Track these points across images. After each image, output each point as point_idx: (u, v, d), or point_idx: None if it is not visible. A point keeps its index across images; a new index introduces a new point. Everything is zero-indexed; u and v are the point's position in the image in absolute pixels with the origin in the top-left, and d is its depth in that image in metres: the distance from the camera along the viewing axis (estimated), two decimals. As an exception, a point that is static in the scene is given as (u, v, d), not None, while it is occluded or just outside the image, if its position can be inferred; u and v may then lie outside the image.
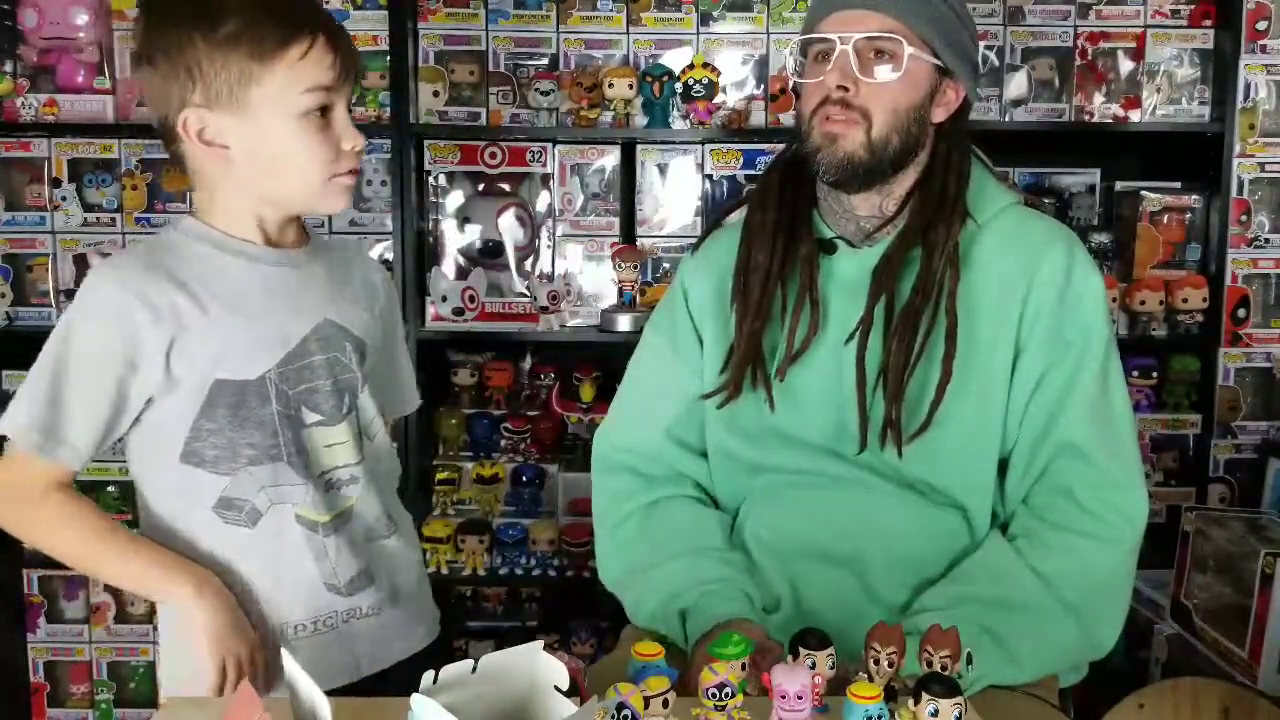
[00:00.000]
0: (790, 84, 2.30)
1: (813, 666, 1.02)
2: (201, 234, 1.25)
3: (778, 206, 1.41)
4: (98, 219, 2.43)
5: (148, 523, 1.28)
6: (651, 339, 1.54)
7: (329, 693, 0.87)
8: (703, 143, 2.42)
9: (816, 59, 1.36)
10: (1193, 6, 2.40)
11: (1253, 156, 2.38)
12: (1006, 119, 2.41)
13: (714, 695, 0.97)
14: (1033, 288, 1.34)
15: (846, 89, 1.32)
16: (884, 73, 1.32)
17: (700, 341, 1.47)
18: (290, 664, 0.95)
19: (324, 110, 1.21)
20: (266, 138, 1.20)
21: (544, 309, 2.39)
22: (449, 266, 2.44)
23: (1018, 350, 1.35)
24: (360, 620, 1.33)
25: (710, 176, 2.43)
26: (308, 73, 1.19)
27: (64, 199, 2.41)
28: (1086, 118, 2.42)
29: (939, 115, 1.38)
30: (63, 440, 1.18)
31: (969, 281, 1.34)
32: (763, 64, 2.39)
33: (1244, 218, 2.40)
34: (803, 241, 1.39)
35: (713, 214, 2.39)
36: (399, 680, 1.35)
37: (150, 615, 2.49)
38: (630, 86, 2.35)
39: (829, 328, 1.38)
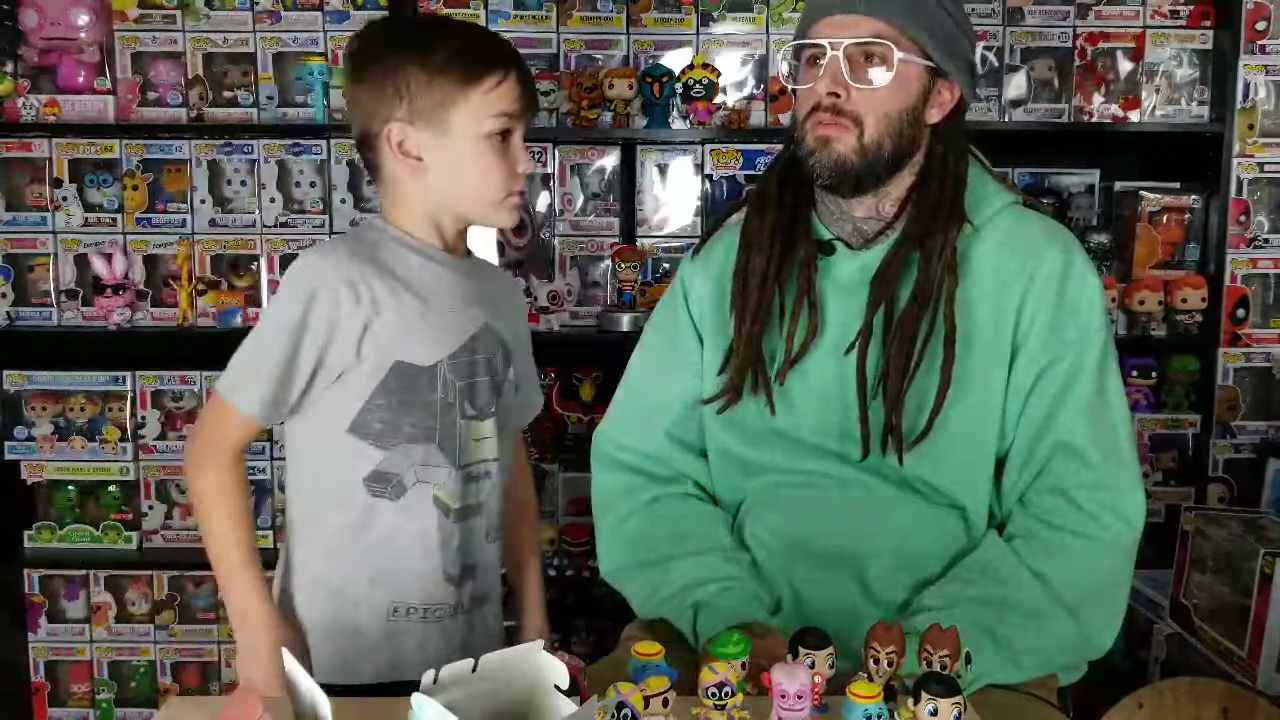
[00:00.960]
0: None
1: (812, 666, 1.02)
2: (390, 233, 1.39)
3: (776, 209, 1.41)
4: (98, 219, 2.43)
5: (297, 487, 1.41)
6: (651, 339, 1.55)
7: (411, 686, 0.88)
8: (702, 143, 2.42)
9: (809, 63, 1.36)
10: (1192, 7, 2.40)
11: (1252, 156, 2.39)
12: (1006, 119, 2.41)
13: (714, 694, 0.97)
14: (1030, 288, 1.35)
15: (837, 95, 1.32)
16: (874, 78, 1.32)
17: (700, 342, 1.48)
18: (290, 663, 0.95)
19: (505, 135, 1.36)
20: (457, 154, 1.35)
21: (544, 309, 2.40)
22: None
23: (1015, 350, 1.35)
24: (461, 615, 1.42)
25: (710, 177, 2.43)
26: (498, 100, 1.34)
27: (65, 199, 2.42)
28: (1086, 118, 2.42)
29: (934, 116, 1.38)
30: (254, 393, 1.31)
31: (967, 284, 1.34)
32: (762, 64, 2.39)
33: (1243, 218, 2.40)
34: (801, 244, 1.40)
35: (713, 214, 2.39)
36: None
37: (152, 615, 2.49)
38: (630, 87, 2.35)
39: (827, 330, 1.38)
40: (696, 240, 1.58)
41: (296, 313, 1.31)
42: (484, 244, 2.41)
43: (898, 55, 1.31)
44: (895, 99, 1.33)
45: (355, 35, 1.44)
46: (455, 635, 1.41)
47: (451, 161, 1.35)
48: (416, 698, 0.84)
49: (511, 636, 1.51)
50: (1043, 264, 1.35)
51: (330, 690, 1.06)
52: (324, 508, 1.38)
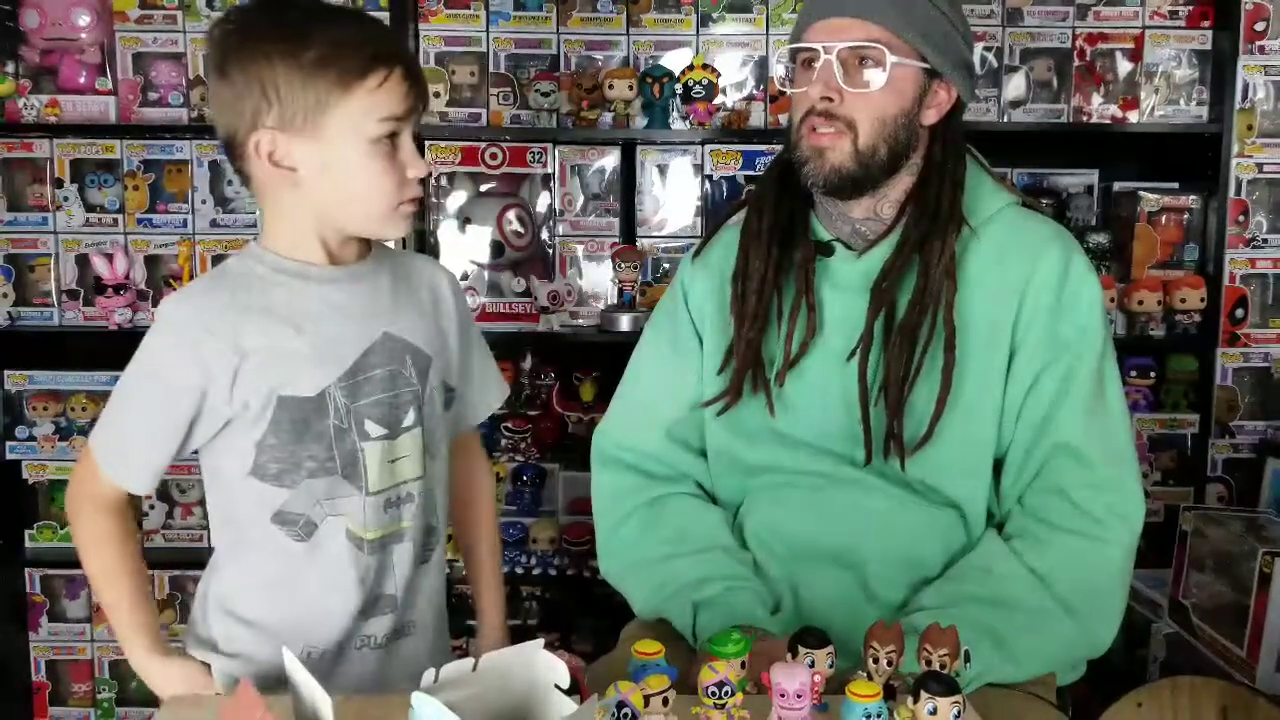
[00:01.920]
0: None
1: (812, 665, 1.03)
2: (261, 258, 1.27)
3: (774, 211, 1.41)
4: (99, 219, 2.43)
5: (212, 520, 1.32)
6: (652, 339, 1.55)
7: None
8: (702, 143, 2.42)
9: (804, 67, 1.36)
10: (1191, 7, 2.41)
11: (1251, 157, 2.39)
12: (1005, 120, 2.41)
13: (714, 693, 0.97)
14: (1029, 289, 1.35)
15: (831, 99, 1.32)
16: (868, 81, 1.32)
17: (700, 343, 1.48)
18: (292, 662, 0.95)
19: (391, 137, 1.22)
20: (336, 162, 1.21)
21: (544, 309, 2.40)
22: (449, 266, 2.44)
23: (1013, 350, 1.35)
24: (370, 650, 1.31)
25: (710, 177, 2.44)
26: (383, 102, 1.20)
27: (66, 199, 2.42)
28: (1085, 118, 2.43)
29: (930, 117, 1.38)
30: (129, 465, 1.25)
31: (965, 287, 1.34)
32: (762, 65, 2.39)
33: (1242, 218, 2.41)
34: (799, 246, 1.40)
35: (713, 214, 2.39)
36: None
37: (152, 614, 2.49)
38: (630, 87, 2.35)
39: (826, 332, 1.38)
40: (697, 240, 1.58)
41: (163, 373, 1.22)
42: (481, 244, 2.42)
43: (891, 58, 1.31)
44: (890, 102, 1.33)
45: (218, 21, 1.24)
46: (366, 671, 1.31)
47: (329, 171, 1.21)
48: (416, 696, 0.84)
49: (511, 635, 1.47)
50: (1041, 266, 1.35)
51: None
52: (235, 545, 1.30)
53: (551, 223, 2.46)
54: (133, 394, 1.25)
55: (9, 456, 2.45)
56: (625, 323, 2.34)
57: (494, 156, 2.43)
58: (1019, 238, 1.38)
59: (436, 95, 2.38)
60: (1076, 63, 2.42)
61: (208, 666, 1.30)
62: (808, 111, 1.34)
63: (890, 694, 1.01)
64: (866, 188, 1.36)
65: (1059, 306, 1.35)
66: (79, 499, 1.29)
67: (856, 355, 1.35)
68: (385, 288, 1.31)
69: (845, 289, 1.39)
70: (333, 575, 1.27)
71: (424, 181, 1.28)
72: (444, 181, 2.45)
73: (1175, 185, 2.46)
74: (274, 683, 1.20)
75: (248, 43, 1.19)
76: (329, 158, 1.21)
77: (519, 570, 2.40)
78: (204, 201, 2.43)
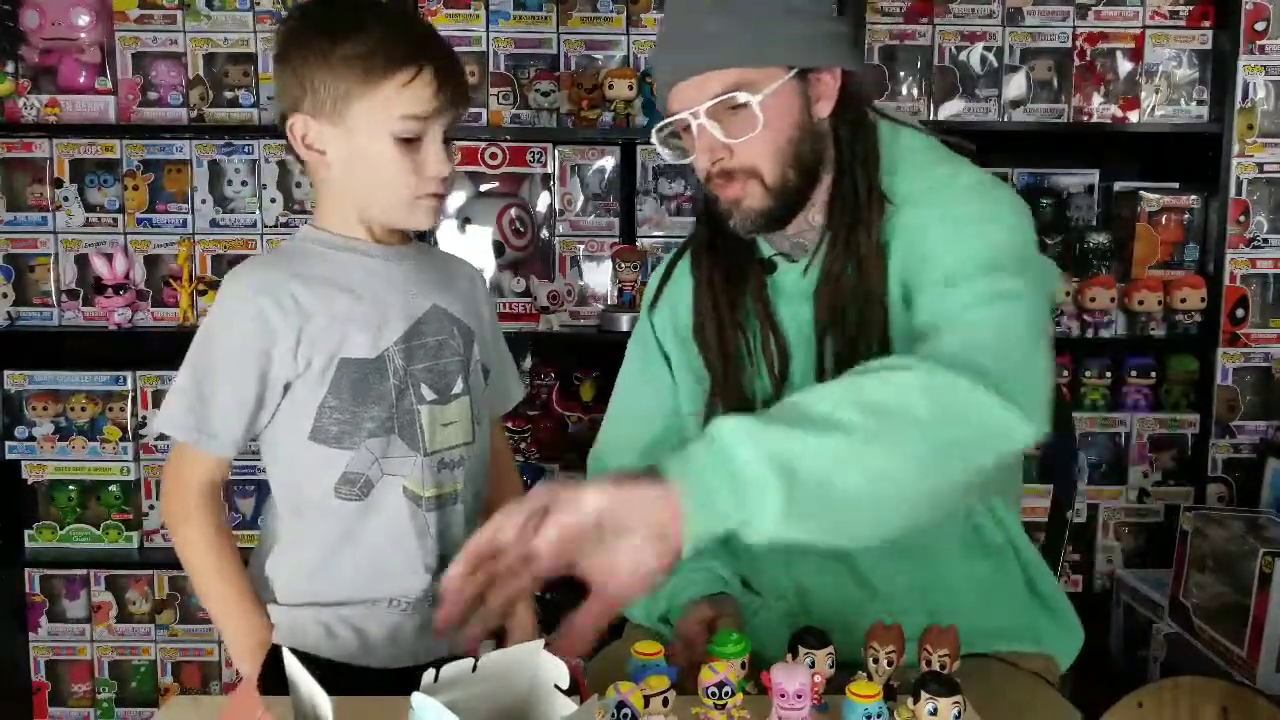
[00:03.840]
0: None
1: (812, 665, 1.03)
2: (314, 237, 1.35)
3: (716, 253, 1.36)
4: (99, 219, 2.43)
5: (278, 502, 1.37)
6: (629, 358, 1.51)
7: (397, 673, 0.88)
8: (702, 143, 2.42)
9: (686, 133, 1.28)
10: (1191, 7, 2.41)
11: (1251, 157, 2.39)
12: (1005, 119, 2.41)
13: (714, 694, 0.97)
14: (927, 227, 1.24)
15: (721, 157, 1.25)
16: (747, 128, 1.22)
17: (668, 361, 1.44)
18: (291, 662, 0.95)
19: (418, 135, 1.29)
20: (359, 151, 1.29)
21: (544, 309, 2.40)
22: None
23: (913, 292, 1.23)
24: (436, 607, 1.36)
25: (710, 177, 2.43)
26: (406, 101, 1.27)
27: (66, 199, 2.42)
28: (1085, 118, 2.43)
29: (824, 110, 1.28)
30: (213, 434, 1.29)
31: (898, 256, 1.25)
32: (762, 64, 2.39)
33: (1242, 218, 2.41)
34: (749, 276, 1.35)
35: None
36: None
37: (153, 615, 2.49)
38: (630, 87, 2.35)
39: (791, 342, 1.34)
40: (696, 241, 1.56)
41: (230, 337, 1.28)
42: (481, 244, 2.42)
43: (757, 97, 1.20)
44: (778, 131, 1.23)
45: (286, 15, 1.40)
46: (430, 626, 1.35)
47: (354, 160, 1.30)
48: (417, 697, 0.84)
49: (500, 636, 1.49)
50: (936, 203, 1.23)
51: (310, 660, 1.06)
52: (300, 514, 1.35)
53: (551, 223, 2.46)
54: (200, 365, 1.30)
55: (8, 457, 2.45)
56: (625, 323, 2.34)
57: (494, 156, 2.43)
58: (937, 189, 1.26)
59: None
60: (1077, 62, 2.42)
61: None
62: (707, 176, 1.28)
63: (890, 694, 1.01)
64: (795, 211, 1.29)
65: (941, 231, 1.21)
66: (174, 509, 1.33)
67: (815, 366, 1.30)
68: (428, 268, 1.40)
69: (793, 296, 1.33)
70: (393, 531, 1.33)
71: (448, 180, 1.34)
72: (444, 181, 2.45)
73: (1176, 185, 2.46)
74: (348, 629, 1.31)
75: (295, 34, 1.31)
76: (353, 146, 1.29)
77: (519, 570, 2.39)
78: (204, 201, 2.43)
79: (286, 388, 1.30)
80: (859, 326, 1.26)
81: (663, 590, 1.34)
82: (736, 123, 1.22)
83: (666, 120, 1.28)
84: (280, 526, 1.37)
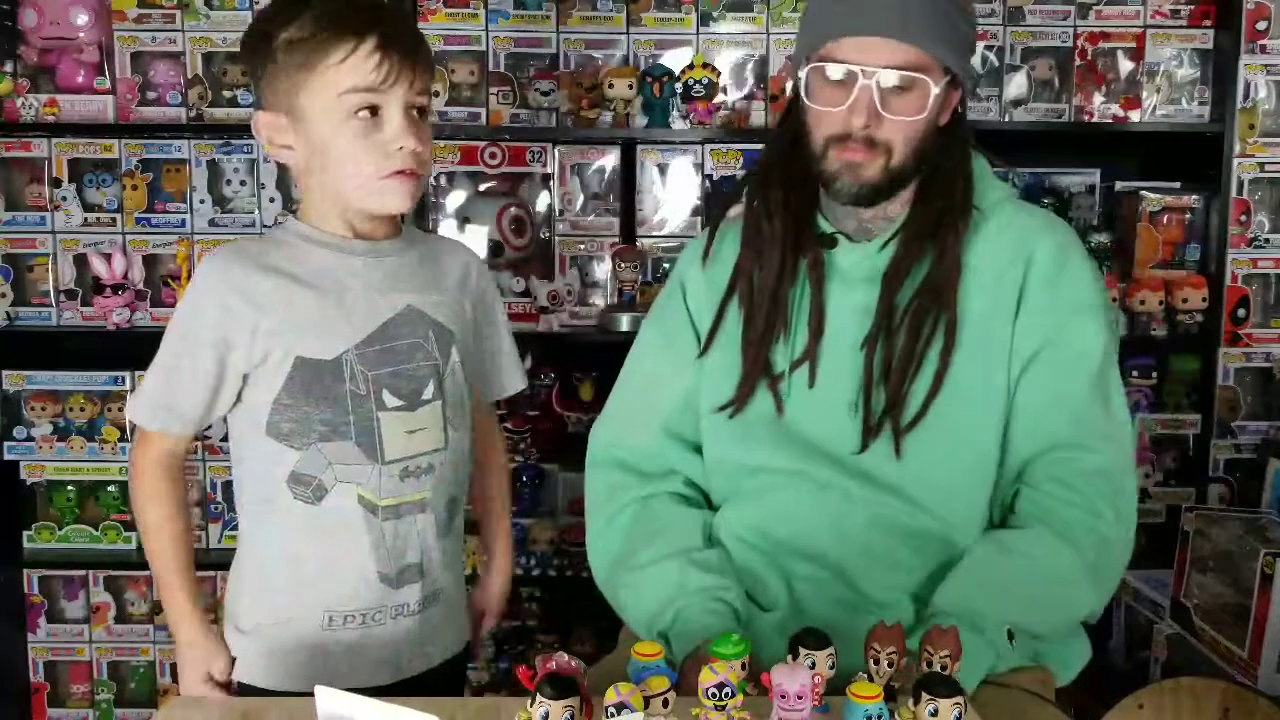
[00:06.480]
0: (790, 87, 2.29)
1: (812, 666, 1.02)
2: (295, 229, 1.34)
3: (783, 214, 1.38)
4: (98, 219, 2.42)
5: (236, 488, 1.38)
6: (648, 335, 1.54)
7: (364, 691, 0.88)
8: (703, 143, 2.42)
9: (827, 80, 1.31)
10: (1192, 6, 2.40)
11: (1252, 156, 2.38)
12: (1006, 119, 2.41)
13: (714, 695, 0.97)
14: (1030, 272, 1.35)
15: (869, 125, 1.29)
16: (909, 109, 1.29)
17: (698, 338, 1.47)
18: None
19: (374, 110, 1.25)
20: (317, 141, 1.27)
21: (544, 309, 2.40)
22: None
23: (1013, 334, 1.35)
24: (406, 618, 1.36)
25: (710, 176, 2.43)
26: (347, 75, 1.24)
27: (64, 199, 2.41)
28: (1086, 118, 2.42)
29: (944, 119, 1.37)
30: (171, 408, 1.31)
31: (968, 278, 1.34)
32: (763, 64, 2.39)
33: (1244, 218, 2.40)
34: (807, 249, 1.38)
35: (714, 213, 2.38)
36: (431, 687, 1.37)
37: (151, 615, 2.49)
38: (630, 86, 2.35)
39: (831, 324, 1.37)
40: (697, 239, 1.57)
41: (191, 324, 1.31)
42: (480, 244, 2.41)
43: (934, 89, 1.29)
44: (927, 122, 1.32)
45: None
46: (403, 638, 1.36)
47: (317, 149, 1.27)
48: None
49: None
50: (1039, 250, 1.36)
51: (262, 694, 1.07)
52: (257, 510, 1.35)
53: (551, 222, 2.45)
54: (166, 346, 1.33)
55: (7, 457, 2.44)
56: (625, 323, 2.33)
57: (493, 156, 2.42)
58: (1019, 224, 1.39)
59: (436, 94, 2.37)
60: (1078, 62, 2.41)
61: (232, 661, 1.35)
62: (842, 134, 1.31)
63: (891, 695, 1.01)
64: (890, 195, 1.35)
65: (1058, 284, 1.34)
66: (136, 466, 1.35)
67: (865, 345, 1.34)
68: (412, 264, 1.37)
69: (850, 282, 1.38)
70: (345, 539, 1.31)
71: (419, 155, 1.30)
72: (443, 181, 2.45)
73: (1177, 185, 2.45)
74: (304, 655, 1.30)
75: (247, 36, 1.30)
76: (311, 136, 1.27)
77: (518, 571, 2.38)
78: (202, 201, 2.42)
79: (245, 377, 1.30)
80: (921, 315, 1.32)
81: (669, 606, 1.33)
82: (903, 100, 1.28)
83: (835, 62, 1.29)
84: (241, 515, 1.38)
